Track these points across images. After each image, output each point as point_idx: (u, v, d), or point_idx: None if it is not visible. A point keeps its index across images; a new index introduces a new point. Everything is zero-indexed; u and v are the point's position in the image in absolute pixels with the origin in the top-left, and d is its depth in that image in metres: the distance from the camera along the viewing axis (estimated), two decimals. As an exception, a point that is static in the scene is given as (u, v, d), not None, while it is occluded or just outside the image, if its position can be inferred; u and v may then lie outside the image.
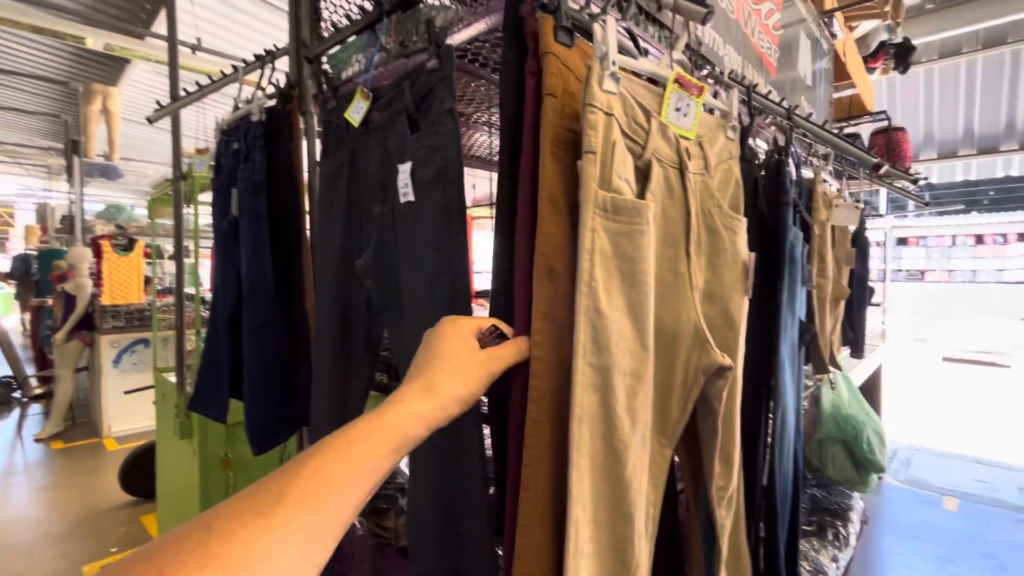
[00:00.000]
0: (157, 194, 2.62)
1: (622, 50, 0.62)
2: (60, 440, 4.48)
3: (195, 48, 4.01)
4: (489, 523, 0.77)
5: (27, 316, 7.18)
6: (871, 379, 3.27)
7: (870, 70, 3.38)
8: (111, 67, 5.47)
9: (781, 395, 0.94)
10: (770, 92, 1.08)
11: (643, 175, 0.57)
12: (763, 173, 0.93)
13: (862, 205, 1.72)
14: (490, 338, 0.54)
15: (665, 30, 1.01)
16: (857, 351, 2.02)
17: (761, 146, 1.38)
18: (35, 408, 5.41)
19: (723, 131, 0.70)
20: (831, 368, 1.42)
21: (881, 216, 3.96)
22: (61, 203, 8.22)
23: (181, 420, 2.27)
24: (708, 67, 1.12)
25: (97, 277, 4.38)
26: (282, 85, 1.19)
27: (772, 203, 0.92)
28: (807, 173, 1.40)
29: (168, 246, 5.47)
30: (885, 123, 3.56)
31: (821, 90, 2.08)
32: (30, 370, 5.79)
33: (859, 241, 1.86)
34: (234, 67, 1.23)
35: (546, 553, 0.51)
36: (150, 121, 1.35)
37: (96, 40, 3.51)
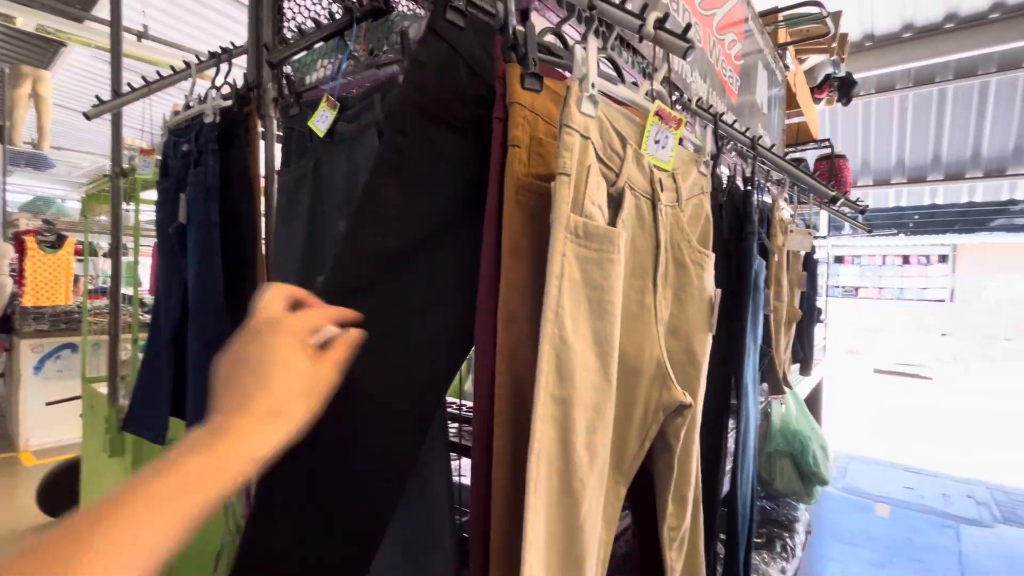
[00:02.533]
0: (93, 189, 2.43)
1: (602, 75, 0.62)
2: (-32, 454, 4.06)
3: (141, 36, 3.77)
4: (457, 554, 0.74)
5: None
6: (813, 392, 3.44)
7: (816, 100, 3.59)
8: (43, 49, 5.07)
9: (744, 419, 0.95)
10: (735, 122, 1.11)
11: (615, 202, 0.56)
12: (724, 199, 0.96)
13: (815, 231, 1.80)
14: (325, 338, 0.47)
15: (639, 56, 1.02)
16: (806, 368, 2.12)
17: (722, 172, 1.43)
18: (-61, 418, 4.88)
19: (696, 165, 0.71)
20: (785, 387, 1.47)
21: (823, 237, 4.20)
22: (-20, 193, 7.52)
23: (112, 436, 2.09)
24: (677, 94, 1.15)
25: (19, 276, 4.02)
26: (239, 85, 1.12)
27: (739, 233, 0.94)
28: (766, 199, 1.47)
29: (103, 243, 5.08)
30: (829, 150, 3.78)
31: (775, 116, 2.18)
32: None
33: (809, 264, 1.96)
34: (186, 63, 1.15)
35: None
36: (88, 117, 1.24)
37: (27, 20, 3.24)
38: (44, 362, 4.17)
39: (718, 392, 0.97)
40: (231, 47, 1.19)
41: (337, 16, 0.89)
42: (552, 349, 0.48)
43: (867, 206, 1.77)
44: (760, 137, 1.21)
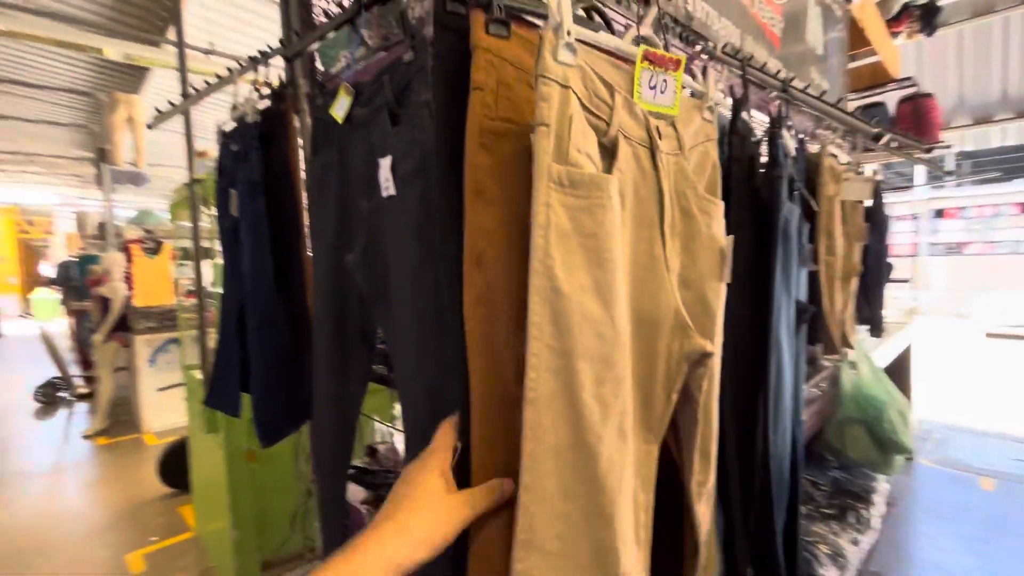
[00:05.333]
0: (176, 198, 2.70)
1: (584, 24, 0.61)
2: (105, 436, 4.71)
3: (208, 52, 4.09)
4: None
5: (72, 320, 7.55)
6: (900, 358, 3.16)
7: (894, 35, 3.22)
8: (133, 76, 5.64)
9: (777, 377, 0.91)
10: (765, 64, 1.04)
11: (609, 152, 0.55)
12: (749, 146, 0.90)
13: (878, 177, 1.64)
14: (455, 459, 0.54)
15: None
16: (875, 330, 1.95)
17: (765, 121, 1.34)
18: (81, 407, 5.69)
19: (699, 112, 0.68)
20: (845, 348, 1.37)
21: (908, 188, 3.80)
22: (95, 211, 8.56)
23: (207, 416, 2.35)
24: (701, 43, 1.09)
25: (129, 280, 4.56)
26: (272, 85, 1.20)
27: (765, 176, 0.89)
28: (815, 148, 1.35)
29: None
30: (912, 90, 3.39)
31: (835, 60, 2.00)
32: (76, 371, 6.08)
33: (876, 216, 1.78)
34: (229, 69, 1.25)
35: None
36: (149, 127, 1.39)
37: (113, 50, 3.61)
38: (156, 355, 4.73)
39: (749, 348, 0.93)
40: (268, 50, 1.28)
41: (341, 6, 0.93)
42: (544, 300, 0.48)
43: (942, 144, 1.56)
44: (793, 78, 1.12)
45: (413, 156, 0.77)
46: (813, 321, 1.30)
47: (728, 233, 0.91)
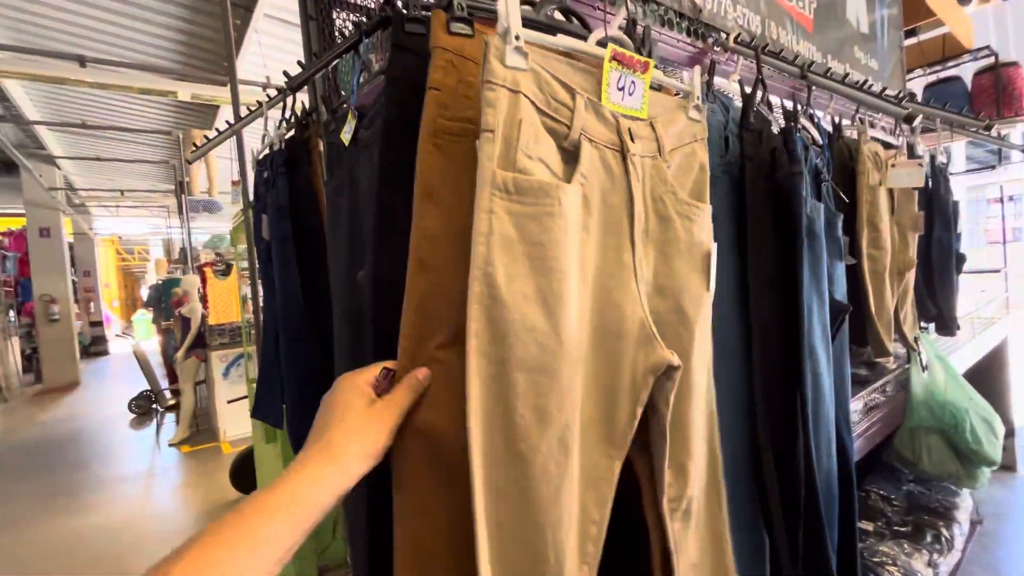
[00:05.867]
0: (237, 222, 2.92)
1: (561, 31, 0.60)
2: (188, 445, 5.13)
3: (265, 86, 4.40)
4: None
5: (161, 338, 8.32)
6: (992, 357, 2.83)
7: (964, 3, 2.92)
8: (205, 113, 6.17)
9: (815, 385, 0.85)
10: (782, 51, 0.97)
11: (572, 156, 0.54)
12: (763, 141, 0.84)
13: (926, 160, 1.47)
14: (385, 383, 0.52)
15: (652, 3, 0.96)
16: (946, 328, 1.75)
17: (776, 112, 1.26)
18: (169, 417, 6.23)
19: (684, 112, 0.65)
20: (906, 349, 1.24)
21: (993, 168, 3.42)
22: (179, 237, 9.41)
23: (265, 426, 2.50)
24: (712, 35, 1.05)
25: (204, 300, 4.96)
26: (296, 113, 1.27)
27: (783, 174, 0.83)
28: (852, 134, 1.24)
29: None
30: (990, 60, 3.07)
31: (885, 38, 1.84)
32: (165, 385, 6.68)
33: (938, 202, 1.60)
34: (259, 102, 1.34)
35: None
36: (188, 163, 1.51)
37: (184, 92, 3.97)
38: (229, 369, 5.10)
39: (780, 357, 0.87)
40: (285, 81, 1.35)
41: (342, 32, 0.97)
42: (481, 308, 0.47)
43: (992, 122, 1.37)
44: (811, 63, 1.04)
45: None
46: (859, 321, 1.19)
47: (746, 236, 0.86)
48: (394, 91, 0.61)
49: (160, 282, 8.58)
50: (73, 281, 8.94)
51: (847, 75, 1.06)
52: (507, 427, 0.48)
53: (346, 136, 0.96)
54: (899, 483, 1.89)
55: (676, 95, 0.68)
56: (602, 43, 0.57)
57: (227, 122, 1.35)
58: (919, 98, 3.18)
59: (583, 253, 0.54)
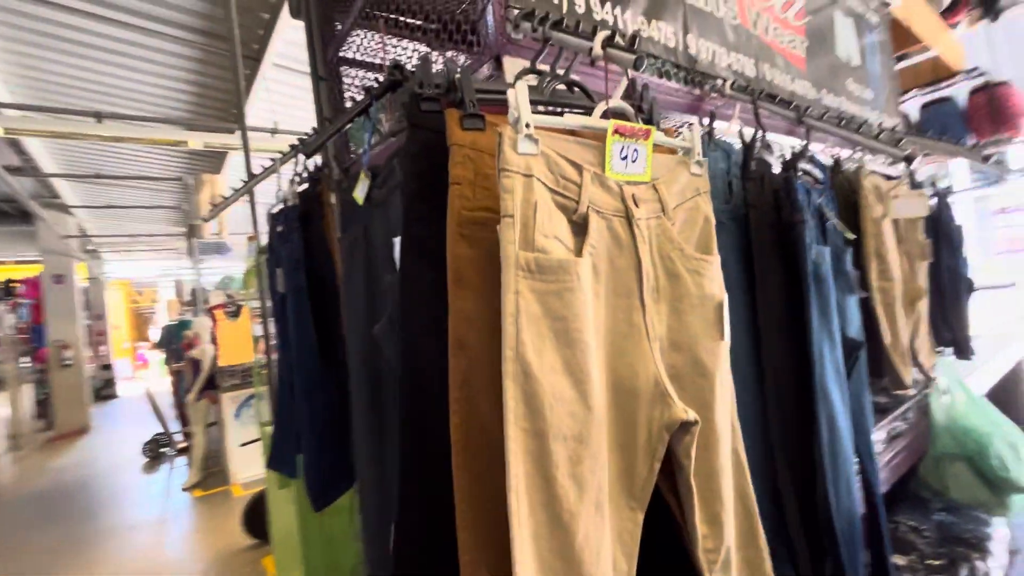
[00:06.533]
0: (250, 265, 2.97)
1: (565, 106, 0.63)
2: (199, 488, 5.09)
3: (273, 132, 4.53)
4: None
5: (172, 380, 8.35)
6: (1010, 378, 2.78)
7: (953, 26, 2.99)
8: (214, 159, 6.35)
9: (830, 428, 0.84)
10: (778, 98, 1.00)
11: (581, 229, 0.57)
12: (761, 187, 0.86)
13: (930, 190, 1.49)
14: None
15: (653, 57, 0.99)
16: (963, 352, 1.74)
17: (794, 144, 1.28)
18: (181, 460, 6.20)
19: (686, 168, 0.67)
20: (923, 377, 1.23)
21: (998, 182, 3.43)
22: (190, 280, 9.55)
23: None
24: (708, 83, 1.08)
25: (215, 342, 5.00)
26: (309, 170, 1.32)
27: (787, 222, 0.85)
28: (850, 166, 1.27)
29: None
30: (983, 79, 3.12)
31: (877, 66, 1.89)
32: (176, 428, 6.67)
33: (943, 228, 1.61)
34: (271, 160, 1.39)
35: None
36: (205, 220, 1.56)
37: (196, 141, 4.10)
38: (241, 410, 5.09)
39: (794, 402, 0.87)
40: (306, 137, 1.40)
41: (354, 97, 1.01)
42: (516, 385, 0.49)
43: (994, 152, 1.39)
44: (808, 107, 1.07)
45: (420, 234, 0.81)
46: (875, 353, 1.19)
47: (755, 283, 0.87)
48: (413, 167, 0.65)
49: (172, 323, 8.68)
50: (86, 325, 9.05)
51: (842, 116, 1.09)
52: (550, 500, 0.50)
53: (359, 195, 1.00)
54: (928, 513, 1.84)
55: (675, 153, 0.71)
56: (604, 116, 0.59)
57: (242, 180, 1.40)
58: (917, 117, 3.23)
59: (594, 318, 0.56)
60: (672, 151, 0.71)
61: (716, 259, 0.65)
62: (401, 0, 1.16)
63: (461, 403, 0.55)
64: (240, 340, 4.96)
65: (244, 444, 4.35)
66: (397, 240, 0.87)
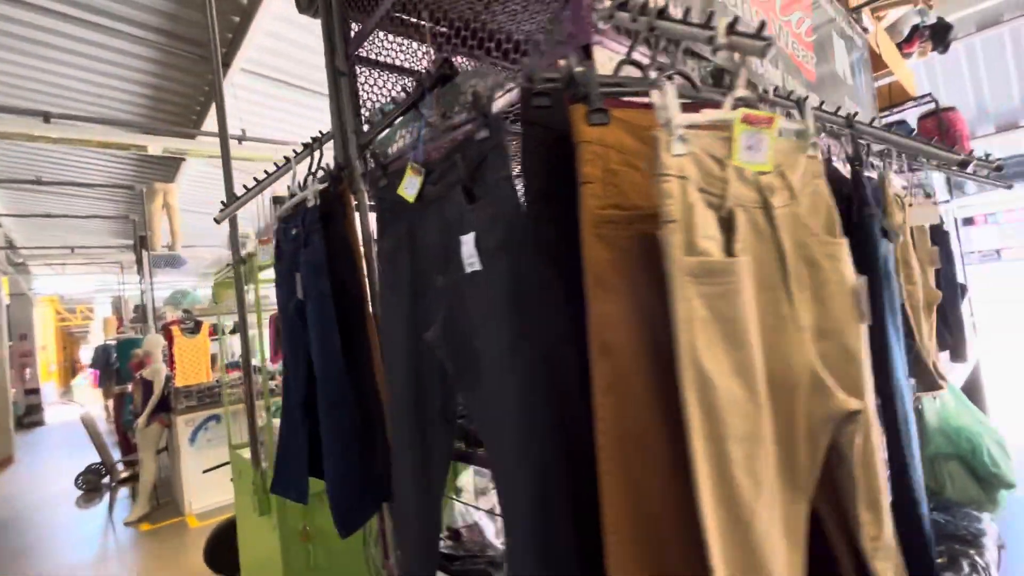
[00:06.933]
0: (221, 278, 2.78)
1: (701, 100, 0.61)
2: (147, 522, 4.66)
3: (240, 139, 4.33)
4: None
5: (110, 403, 7.67)
6: (970, 381, 2.97)
7: (906, 55, 3.24)
8: (169, 166, 5.99)
9: (900, 423, 0.85)
10: (821, 103, 1.03)
11: (728, 225, 0.55)
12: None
13: (937, 200, 1.59)
14: None
15: (704, 61, 0.99)
16: (958, 356, 1.84)
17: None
18: (123, 492, 5.68)
19: (802, 152, 0.67)
20: (943, 378, 1.28)
21: (944, 201, 3.71)
22: (133, 295, 8.92)
23: (259, 497, 2.31)
24: (761, 90, 1.09)
25: (170, 361, 4.65)
26: (331, 168, 1.24)
27: (859, 217, 0.86)
28: (871, 176, 1.32)
29: (230, 323, 5.88)
30: (932, 106, 3.38)
31: (862, 85, 2.00)
32: (116, 455, 6.12)
33: (939, 236, 1.72)
34: (285, 158, 1.29)
35: None
36: (217, 221, 1.44)
37: (155, 146, 3.85)
38: (196, 434, 4.74)
39: (881, 398, 0.87)
40: (320, 135, 1.32)
41: (406, 90, 0.96)
42: (694, 391, 0.48)
43: (1001, 162, 1.52)
44: (856, 114, 1.11)
45: (496, 231, 0.76)
46: (910, 356, 1.22)
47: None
48: (532, 165, 0.62)
49: (111, 343, 8.02)
50: (8, 345, 8.23)
51: (879, 118, 1.13)
52: (731, 499, 0.49)
53: (408, 192, 0.93)
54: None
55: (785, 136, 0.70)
56: (735, 105, 0.58)
57: (255, 178, 1.29)
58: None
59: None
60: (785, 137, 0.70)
61: (845, 241, 0.64)
62: (422, 4, 1.13)
63: (607, 409, 0.53)
64: (198, 358, 4.64)
65: (208, 471, 4.03)
66: (467, 238, 0.81)
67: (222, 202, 1.51)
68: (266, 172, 1.30)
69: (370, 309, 1.21)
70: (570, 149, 0.63)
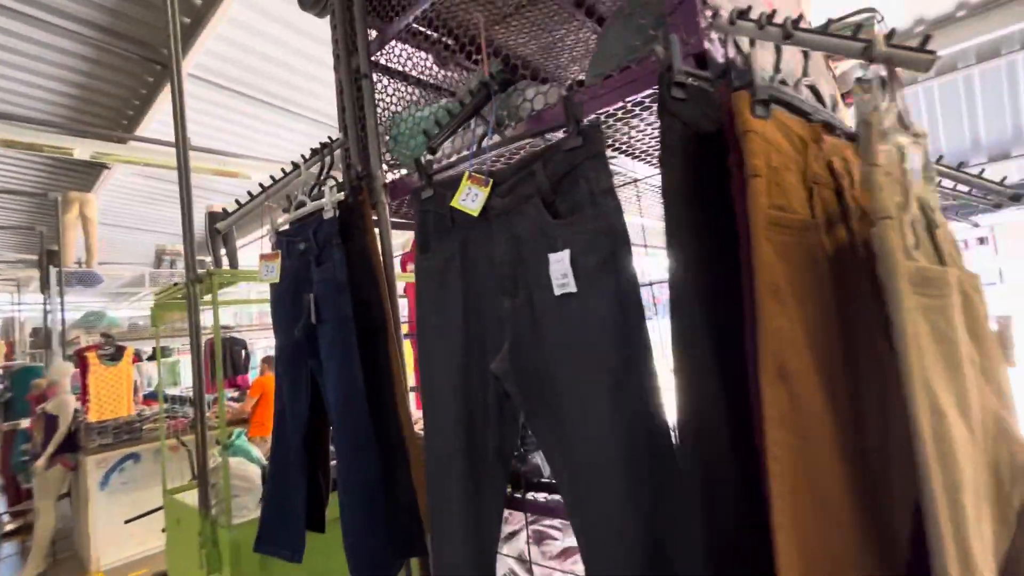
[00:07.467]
0: (163, 299, 2.47)
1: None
2: (41, 583, 3.97)
3: (181, 147, 3.97)
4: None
5: (-5, 443, 6.57)
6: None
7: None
8: (88, 174, 5.39)
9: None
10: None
11: (931, 237, 0.50)
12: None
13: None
14: None
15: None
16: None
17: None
18: (8, 548, 4.83)
19: (931, 183, 0.65)
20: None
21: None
22: (30, 316, 7.84)
23: (208, 551, 2.00)
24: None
25: (83, 392, 4.06)
26: (339, 178, 1.11)
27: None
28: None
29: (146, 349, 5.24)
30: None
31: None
32: (1, 506, 5.23)
33: None
34: (294, 164, 1.15)
35: None
36: (219, 231, 1.25)
37: (83, 150, 3.44)
38: (109, 476, 4.13)
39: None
40: (330, 141, 1.19)
41: (416, 93, 0.87)
42: (930, 428, 0.41)
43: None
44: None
45: (599, 249, 0.69)
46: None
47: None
48: (675, 162, 0.56)
49: (-1, 372, 6.93)
50: None
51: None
52: (966, 560, 0.41)
53: (468, 204, 0.84)
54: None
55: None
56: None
57: (260, 184, 1.12)
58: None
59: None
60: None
61: (979, 274, 0.62)
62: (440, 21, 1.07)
63: (783, 446, 0.45)
64: (118, 389, 4.08)
65: (131, 520, 3.49)
66: (560, 256, 0.72)
67: (223, 211, 1.32)
68: (264, 183, 1.14)
69: (392, 334, 1.07)
70: (712, 148, 0.57)
